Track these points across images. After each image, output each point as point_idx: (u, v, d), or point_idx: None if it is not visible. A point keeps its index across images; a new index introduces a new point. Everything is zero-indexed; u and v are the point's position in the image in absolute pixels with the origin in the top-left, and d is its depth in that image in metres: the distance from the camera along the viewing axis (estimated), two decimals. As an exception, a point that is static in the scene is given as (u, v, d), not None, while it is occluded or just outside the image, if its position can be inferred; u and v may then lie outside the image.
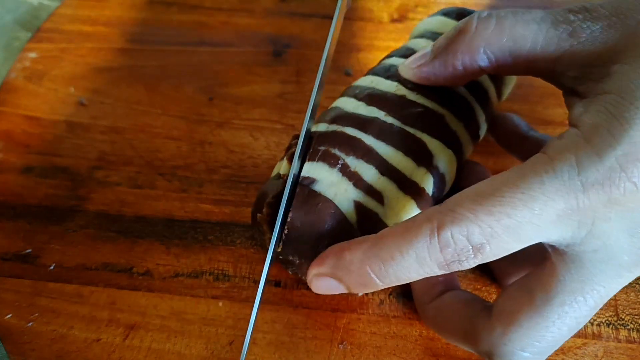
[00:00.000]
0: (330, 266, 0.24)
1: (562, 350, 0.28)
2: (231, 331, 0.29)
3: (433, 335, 0.29)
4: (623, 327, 0.29)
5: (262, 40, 0.43)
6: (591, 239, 0.21)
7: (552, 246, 0.22)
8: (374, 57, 0.41)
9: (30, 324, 0.30)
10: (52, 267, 0.32)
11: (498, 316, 0.23)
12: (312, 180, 0.26)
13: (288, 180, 0.26)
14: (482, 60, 0.25)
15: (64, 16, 0.46)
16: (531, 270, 0.24)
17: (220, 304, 0.30)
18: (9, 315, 0.30)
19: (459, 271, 0.31)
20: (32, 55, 0.43)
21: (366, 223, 0.26)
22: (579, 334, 0.29)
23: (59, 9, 0.46)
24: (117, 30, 0.45)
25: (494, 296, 0.30)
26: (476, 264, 0.22)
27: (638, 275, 0.22)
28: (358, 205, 0.26)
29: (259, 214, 0.27)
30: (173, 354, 0.29)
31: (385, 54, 0.42)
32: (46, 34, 0.44)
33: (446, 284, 0.28)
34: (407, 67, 0.29)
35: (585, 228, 0.21)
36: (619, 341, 0.29)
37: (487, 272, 0.31)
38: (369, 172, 0.26)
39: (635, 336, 0.29)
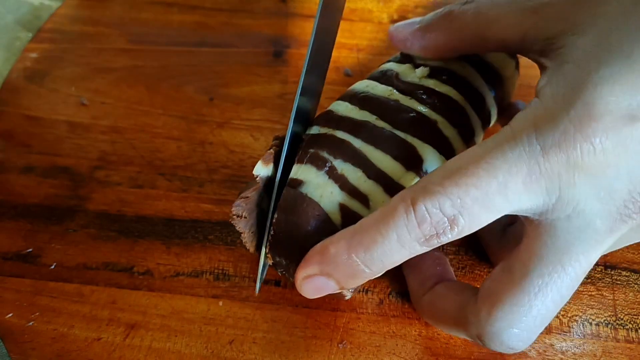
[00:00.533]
0: (317, 264, 0.24)
1: (560, 350, 0.28)
2: (231, 330, 0.30)
3: (432, 335, 0.29)
4: (622, 327, 0.29)
5: (262, 41, 0.43)
6: (561, 205, 0.21)
7: (526, 217, 0.23)
8: (373, 58, 0.42)
9: (30, 323, 0.30)
10: (52, 267, 0.32)
11: (483, 298, 0.24)
12: (300, 182, 0.27)
13: (261, 182, 0.27)
14: (458, 41, 0.28)
15: (65, 16, 0.46)
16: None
17: (221, 303, 0.31)
18: (10, 315, 0.30)
19: (454, 267, 0.31)
20: (33, 55, 0.43)
21: (350, 225, 0.26)
22: (578, 334, 0.29)
23: (60, 9, 0.46)
24: (117, 30, 0.45)
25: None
26: (455, 238, 0.22)
27: (616, 239, 0.22)
28: (343, 208, 0.26)
29: (230, 213, 0.27)
30: (173, 353, 0.29)
31: (386, 55, 0.42)
32: (47, 34, 0.45)
33: (439, 276, 0.28)
34: (394, 29, 0.30)
35: (554, 194, 0.21)
36: (618, 341, 0.29)
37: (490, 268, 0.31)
38: (354, 175, 0.27)
39: (634, 336, 0.29)
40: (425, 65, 0.30)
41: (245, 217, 0.27)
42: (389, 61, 0.32)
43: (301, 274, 0.25)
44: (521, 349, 0.24)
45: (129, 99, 0.40)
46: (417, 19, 0.30)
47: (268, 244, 0.27)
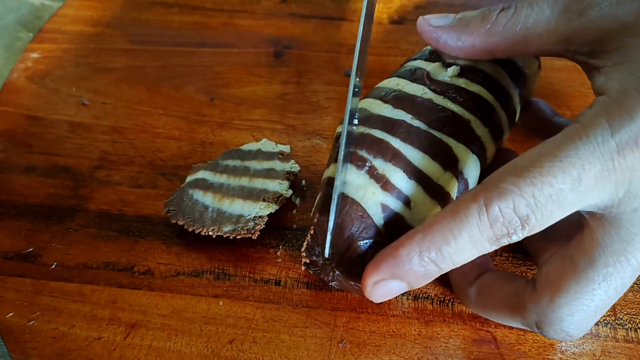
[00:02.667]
0: (389, 267, 0.24)
1: (560, 350, 0.29)
2: (231, 330, 0.30)
3: (432, 334, 0.29)
4: (621, 327, 0.29)
5: (263, 41, 0.43)
6: (629, 198, 0.22)
7: (589, 212, 0.23)
8: (374, 59, 0.42)
9: (31, 323, 0.30)
10: (53, 266, 0.32)
11: (543, 286, 0.24)
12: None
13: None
14: (496, 44, 0.27)
15: (65, 17, 0.46)
16: (567, 242, 0.24)
17: (221, 302, 0.31)
18: (11, 314, 0.30)
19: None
20: (34, 55, 0.43)
21: (393, 227, 0.26)
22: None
23: (60, 10, 0.46)
24: (118, 31, 0.45)
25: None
26: (524, 236, 0.22)
27: None
28: (385, 209, 0.26)
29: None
30: (174, 352, 0.29)
31: (386, 55, 0.42)
32: (48, 35, 0.45)
33: (482, 266, 0.28)
34: (425, 22, 0.29)
35: (623, 188, 0.22)
36: (617, 340, 0.29)
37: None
38: (396, 175, 0.26)
39: (633, 335, 0.29)
40: (455, 64, 0.30)
41: (173, 210, 0.32)
42: (415, 58, 0.32)
43: (372, 279, 0.24)
44: (578, 336, 0.24)
45: (129, 99, 0.40)
46: (450, 15, 0.29)
47: (306, 243, 0.27)
